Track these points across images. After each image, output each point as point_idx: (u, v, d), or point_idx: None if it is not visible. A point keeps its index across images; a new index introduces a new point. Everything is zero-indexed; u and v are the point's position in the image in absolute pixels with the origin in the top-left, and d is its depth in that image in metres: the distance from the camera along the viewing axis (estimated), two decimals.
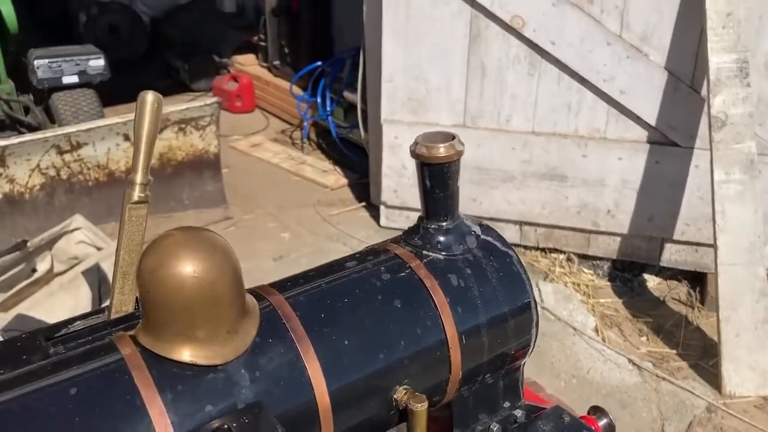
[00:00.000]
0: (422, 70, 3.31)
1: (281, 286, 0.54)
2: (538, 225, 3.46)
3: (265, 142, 4.97)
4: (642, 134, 3.13)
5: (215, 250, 0.47)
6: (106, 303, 0.60)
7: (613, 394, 2.70)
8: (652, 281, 3.39)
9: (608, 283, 3.42)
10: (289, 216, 3.91)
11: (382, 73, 3.40)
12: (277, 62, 5.53)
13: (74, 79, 4.13)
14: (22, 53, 4.34)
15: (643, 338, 3.05)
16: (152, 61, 6.59)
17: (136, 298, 0.56)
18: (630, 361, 2.87)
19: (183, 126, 3.58)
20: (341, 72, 4.58)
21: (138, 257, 0.54)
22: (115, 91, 4.59)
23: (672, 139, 3.06)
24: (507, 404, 0.64)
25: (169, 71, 6.26)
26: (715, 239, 2.68)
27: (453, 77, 3.28)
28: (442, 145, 0.56)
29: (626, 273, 3.44)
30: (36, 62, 4.04)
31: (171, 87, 5.98)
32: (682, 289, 3.31)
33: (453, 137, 0.57)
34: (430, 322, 0.56)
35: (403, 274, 0.57)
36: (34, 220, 3.35)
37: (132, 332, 0.49)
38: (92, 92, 4.20)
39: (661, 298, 3.28)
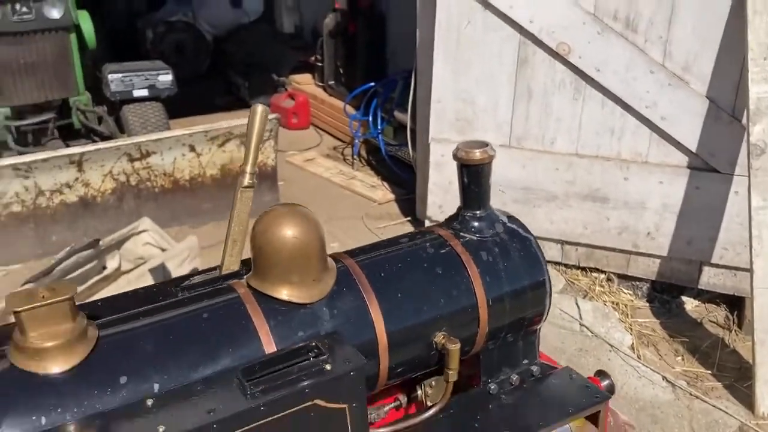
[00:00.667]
0: (470, 93, 3.48)
1: (352, 253, 0.71)
2: (579, 244, 3.57)
3: (318, 158, 5.20)
4: (683, 159, 3.22)
5: (308, 220, 0.64)
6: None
7: (646, 409, 2.79)
8: (690, 304, 3.45)
9: (646, 304, 3.49)
10: (338, 227, 4.11)
11: (432, 94, 3.57)
12: (332, 82, 5.78)
13: (144, 92, 4.43)
14: (96, 67, 4.67)
15: (679, 358, 3.12)
16: (214, 77, 6.93)
17: (241, 261, 0.74)
18: (664, 378, 2.94)
19: (244, 140, 3.81)
20: (393, 93, 4.78)
21: (245, 228, 0.72)
22: (179, 105, 4.89)
23: (712, 165, 3.15)
24: (525, 361, 0.79)
25: (229, 88, 6.58)
26: (751, 263, 2.75)
27: (500, 100, 3.44)
28: (477, 150, 0.72)
29: (665, 294, 3.51)
30: (110, 76, 4.35)
31: (231, 103, 6.30)
32: (719, 313, 3.36)
33: (486, 144, 0.73)
34: (464, 287, 0.71)
35: (444, 250, 0.73)
36: (105, 221, 3.62)
37: (244, 278, 0.66)
38: (160, 105, 4.49)
39: (699, 321, 3.34)
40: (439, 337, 0.69)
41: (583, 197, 3.43)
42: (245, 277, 0.67)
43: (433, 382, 0.78)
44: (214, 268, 0.74)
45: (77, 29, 4.16)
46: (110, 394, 0.56)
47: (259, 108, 0.70)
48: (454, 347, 0.67)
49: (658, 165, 3.27)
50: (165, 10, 7.71)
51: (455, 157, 0.75)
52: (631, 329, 3.28)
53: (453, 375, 0.68)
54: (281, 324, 0.63)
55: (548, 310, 0.78)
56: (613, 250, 3.50)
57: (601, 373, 0.80)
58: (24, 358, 0.55)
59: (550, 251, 3.62)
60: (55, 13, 3.95)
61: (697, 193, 3.21)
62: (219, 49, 7.21)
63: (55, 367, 0.55)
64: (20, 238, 3.41)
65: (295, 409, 0.58)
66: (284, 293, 0.63)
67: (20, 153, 3.89)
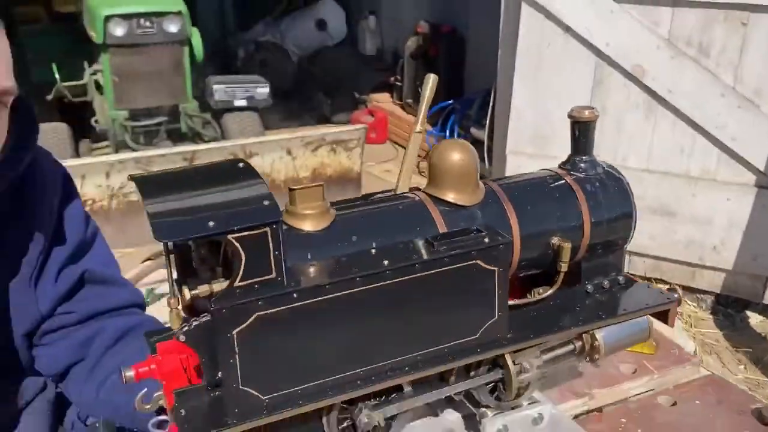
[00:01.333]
0: (548, 111, 3.74)
1: (492, 180, 1.00)
2: (646, 256, 3.75)
3: (395, 170, 5.52)
4: (750, 178, 3.39)
5: (469, 149, 0.94)
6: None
7: None
8: (754, 318, 3.58)
9: (711, 316, 3.64)
10: None
11: (511, 111, 3.85)
12: (410, 100, 6.12)
13: (243, 102, 4.86)
14: (200, 79, 5.15)
15: (741, 366, 3.26)
16: (297, 94, 7.38)
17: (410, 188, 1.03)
18: None
19: (334, 146, 4.18)
20: (470, 110, 5.09)
21: (413, 163, 1.02)
22: (268, 117, 5.32)
23: None
24: (614, 273, 1.06)
25: (312, 104, 7.02)
26: None
27: None
28: (587, 110, 1.01)
29: (729, 308, 3.65)
30: (214, 86, 4.81)
31: (314, 118, 6.72)
32: None
33: (593, 108, 1.02)
34: (574, 209, 0.99)
35: (560, 182, 1.01)
36: None
37: (421, 189, 0.96)
38: (256, 115, 4.92)
39: (763, 335, 3.48)
40: (555, 239, 0.96)
41: (652, 211, 3.62)
42: (423, 187, 0.97)
43: (541, 290, 1.05)
44: (390, 191, 1.04)
45: (189, 43, 4.63)
46: (346, 246, 0.86)
47: (431, 76, 1.00)
48: (567, 245, 0.95)
49: (726, 183, 3.45)
50: (255, 30, 8.27)
51: (569, 115, 1.03)
52: (694, 338, 3.44)
53: (564, 266, 0.96)
54: (449, 216, 0.91)
55: (633, 235, 1.05)
56: (679, 262, 3.68)
57: (672, 289, 1.06)
58: (292, 219, 0.85)
59: None
60: (173, 28, 4.43)
61: (763, 211, 3.37)
62: (304, 68, 7.68)
63: (311, 227, 0.86)
64: (137, 224, 3.83)
65: (463, 264, 0.87)
66: (450, 197, 0.92)
67: (135, 150, 4.35)
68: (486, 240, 0.87)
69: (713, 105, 3.36)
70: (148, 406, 0.87)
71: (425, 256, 0.84)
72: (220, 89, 4.79)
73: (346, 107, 6.67)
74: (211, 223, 0.73)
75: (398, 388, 0.93)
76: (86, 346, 1.35)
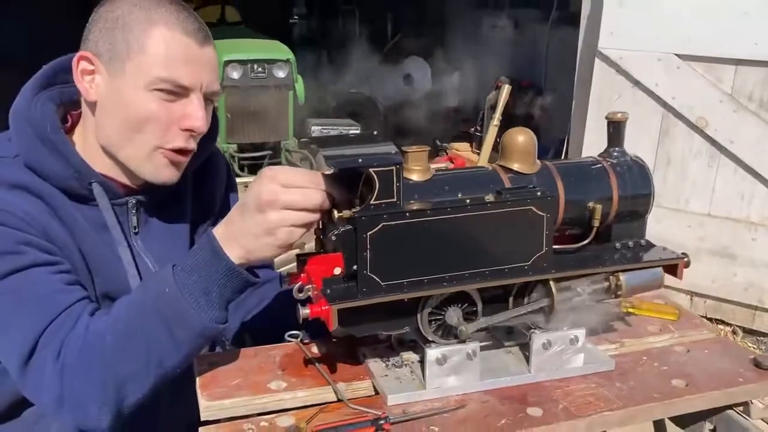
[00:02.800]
0: None
1: (547, 160, 1.40)
2: (708, 297, 3.96)
3: None
4: None
5: (530, 133, 1.34)
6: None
7: None
8: None
9: None
10: None
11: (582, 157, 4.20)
12: None
13: None
14: (300, 120, 5.75)
15: None
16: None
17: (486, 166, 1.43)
18: None
19: None
20: (545, 157, 5.43)
21: (490, 146, 1.43)
22: None
23: None
24: (636, 237, 1.41)
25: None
26: None
27: None
28: (619, 113, 1.40)
29: None
30: (313, 127, 5.39)
31: None
32: None
33: (624, 112, 1.40)
34: (606, 185, 1.36)
35: (597, 165, 1.40)
36: None
37: (497, 162, 1.36)
38: None
39: None
40: (591, 204, 1.34)
41: (712, 253, 3.86)
42: (496, 162, 1.37)
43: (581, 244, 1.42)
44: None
45: (294, 88, 5.24)
46: (441, 192, 1.26)
47: (506, 86, 1.41)
48: (599, 206, 1.32)
49: None
50: (346, 82, 8.96)
51: (606, 117, 1.42)
52: None
53: (596, 222, 1.32)
54: (514, 180, 1.30)
55: (651, 209, 1.42)
56: (739, 304, 3.87)
57: (685, 255, 1.41)
58: (405, 172, 1.27)
59: (680, 302, 4.03)
60: (281, 74, 5.06)
61: None
62: (390, 117, 8.26)
63: (417, 178, 1.27)
64: None
65: (520, 208, 1.25)
66: (515, 166, 1.31)
67: (240, 176, 4.92)
68: (538, 193, 1.26)
69: None
70: (301, 294, 1.28)
71: (494, 200, 1.24)
72: (317, 129, 5.36)
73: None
74: (360, 159, 1.16)
75: (473, 304, 1.31)
76: None
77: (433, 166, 1.39)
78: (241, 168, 5.16)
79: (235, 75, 5.00)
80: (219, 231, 1.26)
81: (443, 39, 9.01)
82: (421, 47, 8.98)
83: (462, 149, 7.03)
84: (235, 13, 8.15)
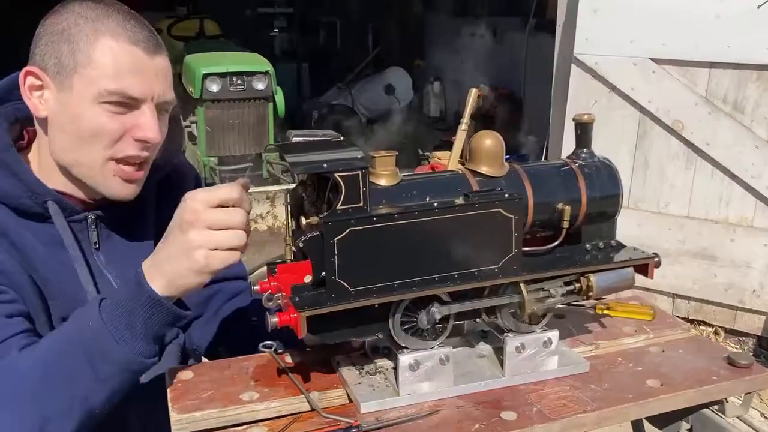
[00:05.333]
0: None
1: (514, 162, 1.40)
2: (689, 298, 3.99)
3: None
4: None
5: (497, 137, 1.34)
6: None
7: None
8: None
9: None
10: None
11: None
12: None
13: None
14: (281, 132, 5.74)
15: None
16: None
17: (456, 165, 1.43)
18: (762, 414, 3.27)
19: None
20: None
21: (458, 151, 1.43)
22: None
23: None
24: (606, 238, 1.42)
25: None
26: None
27: (620, 167, 4.00)
28: (585, 115, 1.40)
29: None
30: (294, 138, 5.37)
31: None
32: None
33: (590, 113, 1.40)
34: (574, 187, 1.36)
35: (565, 167, 1.40)
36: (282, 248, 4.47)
37: (464, 166, 1.36)
38: None
39: None
40: (560, 205, 1.34)
41: (692, 255, 3.89)
42: (465, 165, 1.37)
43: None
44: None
45: (273, 100, 5.24)
46: (409, 197, 1.25)
47: (473, 90, 1.42)
48: (567, 208, 1.32)
49: (762, 229, 3.70)
50: (328, 95, 8.99)
51: (573, 119, 1.42)
52: None
53: (566, 224, 1.33)
54: (481, 183, 1.31)
55: (620, 210, 1.42)
56: (721, 305, 3.89)
57: (656, 255, 1.42)
58: (373, 177, 1.26)
59: (663, 304, 4.05)
60: (260, 86, 5.05)
61: None
62: (372, 128, 8.28)
63: (385, 183, 1.26)
64: None
65: (489, 210, 1.25)
66: (483, 170, 1.31)
67: None
68: (506, 195, 1.26)
69: (748, 156, 3.65)
70: (270, 303, 1.27)
71: (462, 203, 1.24)
72: (298, 140, 5.34)
73: (409, 163, 7.16)
74: (325, 165, 1.15)
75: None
76: (205, 304, 1.76)
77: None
78: (222, 181, 5.13)
79: (215, 88, 4.99)
80: (146, 262, 1.23)
81: (423, 49, 9.06)
82: (402, 58, 9.03)
83: (444, 158, 7.03)
84: (214, 27, 8.16)
